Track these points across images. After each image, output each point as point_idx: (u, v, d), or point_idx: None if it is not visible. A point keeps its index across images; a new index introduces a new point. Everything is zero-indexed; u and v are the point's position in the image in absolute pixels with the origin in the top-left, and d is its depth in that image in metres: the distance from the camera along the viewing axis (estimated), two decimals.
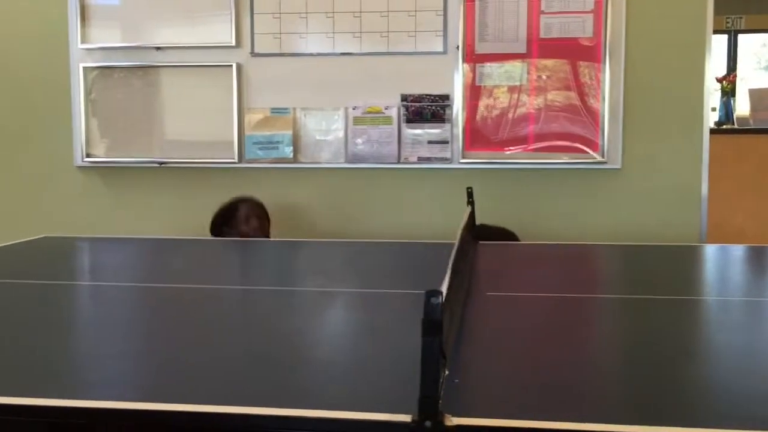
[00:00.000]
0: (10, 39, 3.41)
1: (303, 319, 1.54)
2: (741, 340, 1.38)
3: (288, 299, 1.74)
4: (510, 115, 3.16)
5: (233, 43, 3.26)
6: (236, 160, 3.28)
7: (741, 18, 6.41)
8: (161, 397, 1.05)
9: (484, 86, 3.17)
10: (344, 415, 0.94)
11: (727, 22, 6.38)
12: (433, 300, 0.85)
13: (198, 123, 3.33)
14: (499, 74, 3.16)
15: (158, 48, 3.31)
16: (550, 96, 3.13)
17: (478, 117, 3.18)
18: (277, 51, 3.26)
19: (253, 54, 3.27)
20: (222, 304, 1.69)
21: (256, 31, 3.26)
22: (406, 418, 0.92)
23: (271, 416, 0.95)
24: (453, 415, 0.94)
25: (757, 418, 0.97)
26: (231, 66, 3.27)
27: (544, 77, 3.12)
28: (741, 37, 8.44)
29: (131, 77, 3.34)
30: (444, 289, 1.08)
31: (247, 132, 3.28)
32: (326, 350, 1.30)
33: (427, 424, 0.85)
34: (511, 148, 3.16)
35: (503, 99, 3.16)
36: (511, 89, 3.15)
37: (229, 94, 3.27)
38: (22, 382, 1.13)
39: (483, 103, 3.17)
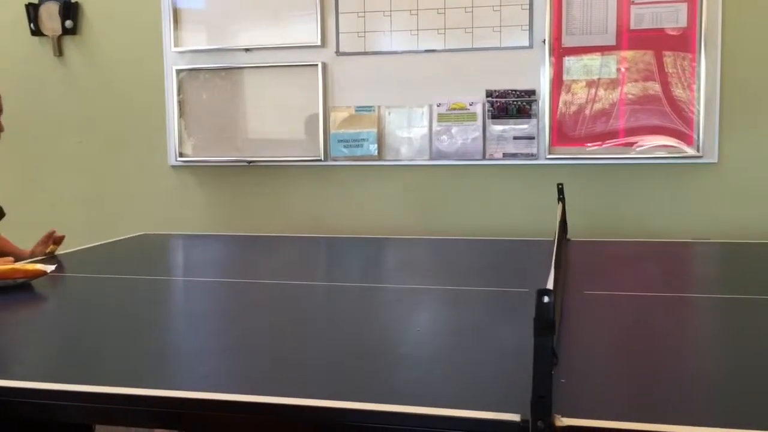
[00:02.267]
0: (108, 44, 3.56)
1: (400, 317, 1.55)
2: None
3: (381, 296, 1.75)
4: (598, 110, 3.08)
5: (318, 43, 3.30)
6: (322, 158, 3.32)
7: None
8: (268, 390, 1.07)
9: (572, 80, 3.10)
10: (452, 412, 0.95)
11: None
12: (545, 298, 0.84)
13: (283, 122, 3.40)
14: (586, 68, 3.09)
15: (247, 49, 3.39)
16: (640, 89, 3.03)
17: (564, 112, 3.12)
18: (361, 50, 3.28)
19: (338, 53, 3.30)
20: (316, 301, 1.72)
21: (341, 30, 3.30)
22: (515, 417, 0.92)
23: (377, 412, 0.96)
24: (562, 416, 0.93)
25: None
26: (317, 65, 3.31)
27: (634, 69, 3.03)
28: None
29: (215, 78, 3.43)
30: (550, 287, 1.06)
31: (332, 130, 3.32)
32: (426, 348, 1.31)
33: (540, 424, 0.84)
34: (599, 143, 3.09)
35: (591, 93, 3.09)
36: (599, 83, 3.08)
37: (315, 93, 3.32)
38: (126, 373, 1.18)
39: (570, 97, 3.11)
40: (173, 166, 3.51)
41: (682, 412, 0.99)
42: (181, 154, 3.49)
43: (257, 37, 3.39)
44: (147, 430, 1.70)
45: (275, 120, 3.40)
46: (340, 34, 3.30)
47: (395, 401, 1.01)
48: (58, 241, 2.40)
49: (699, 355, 1.28)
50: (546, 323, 0.85)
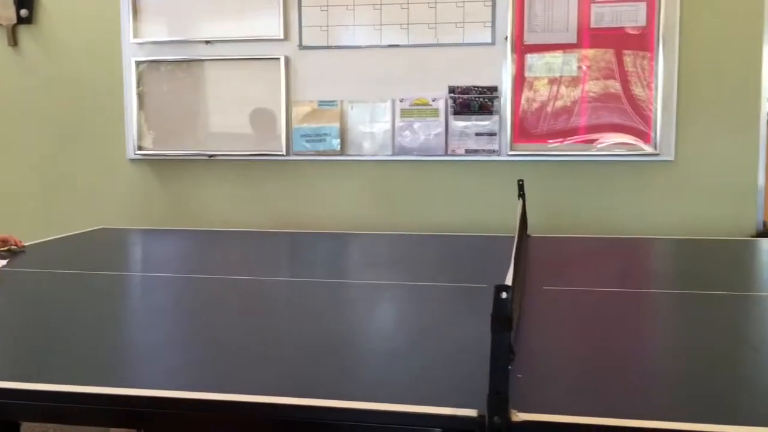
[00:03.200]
0: (65, 34, 3.48)
1: (361, 312, 1.55)
2: None
3: (343, 292, 1.75)
4: (559, 107, 3.12)
5: (281, 36, 3.27)
6: (284, 153, 3.30)
7: None
8: (229, 387, 1.06)
9: (533, 77, 3.13)
10: (409, 408, 0.95)
11: None
12: (503, 294, 0.85)
13: (245, 116, 3.36)
14: (548, 65, 3.12)
15: (207, 42, 3.35)
16: (600, 87, 3.07)
17: (526, 109, 3.14)
18: (324, 44, 3.26)
19: (301, 47, 3.28)
20: (277, 296, 1.71)
21: (304, 23, 3.27)
22: (471, 412, 0.92)
23: (334, 408, 0.96)
24: (518, 411, 0.94)
25: None
26: (279, 59, 3.28)
27: (595, 68, 3.07)
28: None
29: (177, 70, 3.38)
30: (508, 283, 1.07)
31: (295, 124, 3.30)
32: (386, 344, 1.31)
33: (496, 419, 0.84)
34: (559, 140, 3.12)
35: (552, 90, 3.12)
36: (561, 80, 3.11)
37: (277, 86, 3.30)
38: (80, 371, 1.15)
39: (531, 94, 3.14)
40: (132, 160, 3.45)
41: (638, 407, 1.00)
42: (140, 148, 3.43)
43: (219, 29, 3.34)
44: (103, 430, 1.67)
45: (237, 114, 3.37)
46: (303, 28, 3.28)
47: (355, 398, 1.01)
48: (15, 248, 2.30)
49: (655, 349, 1.31)
50: (503, 319, 0.85)
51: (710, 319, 1.49)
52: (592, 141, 3.10)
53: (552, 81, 3.12)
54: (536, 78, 3.13)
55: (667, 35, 2.98)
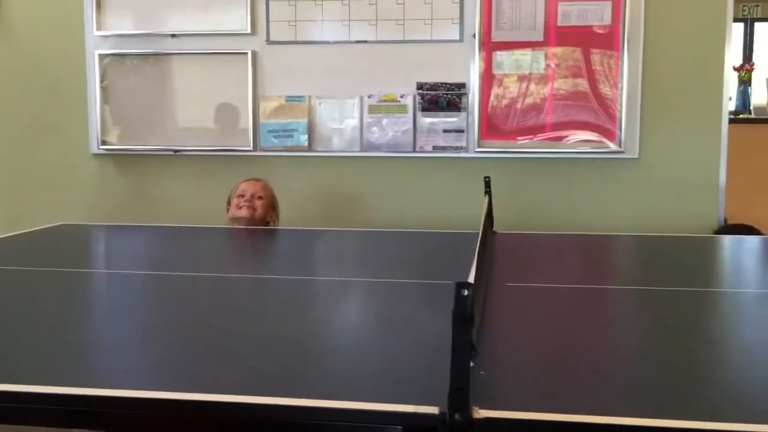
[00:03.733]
0: (27, 26, 3.41)
1: (324, 309, 1.54)
2: (758, 334, 1.37)
3: (307, 288, 1.74)
4: (526, 104, 3.14)
5: (248, 31, 3.25)
6: (251, 148, 3.28)
7: (757, 6, 6.33)
8: (183, 386, 1.05)
9: (501, 75, 3.14)
10: (370, 406, 0.94)
11: (744, 10, 6.30)
12: (464, 292, 0.85)
13: (212, 111, 3.33)
14: (515, 62, 3.13)
15: (173, 35, 3.30)
16: (567, 84, 3.10)
17: (494, 106, 3.16)
18: (292, 39, 3.24)
19: (269, 41, 3.26)
20: (240, 293, 1.69)
21: (271, 18, 3.25)
22: (433, 410, 0.92)
23: (294, 407, 0.95)
24: (480, 408, 0.94)
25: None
26: (246, 53, 3.26)
27: (561, 66, 3.10)
28: (757, 25, 8.34)
29: (144, 64, 3.33)
30: (470, 280, 1.07)
31: (262, 120, 3.27)
32: (348, 341, 1.30)
33: (457, 417, 0.84)
34: (527, 137, 3.14)
35: (520, 87, 3.14)
36: (528, 78, 3.13)
37: (244, 81, 3.27)
38: (40, 370, 1.13)
39: (499, 91, 3.15)
40: (95, 155, 3.40)
41: (600, 402, 1.01)
42: (104, 142, 3.38)
43: (186, 22, 3.30)
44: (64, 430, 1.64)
45: (204, 109, 3.33)
46: (270, 23, 3.25)
47: (315, 396, 1.00)
48: None
49: (617, 346, 1.32)
50: (464, 316, 0.85)
51: (672, 314, 1.51)
52: (559, 138, 3.13)
53: (520, 78, 3.14)
54: (504, 75, 3.14)
55: (631, 35, 3.02)
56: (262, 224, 2.88)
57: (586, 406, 1.00)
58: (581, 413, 0.97)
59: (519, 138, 3.14)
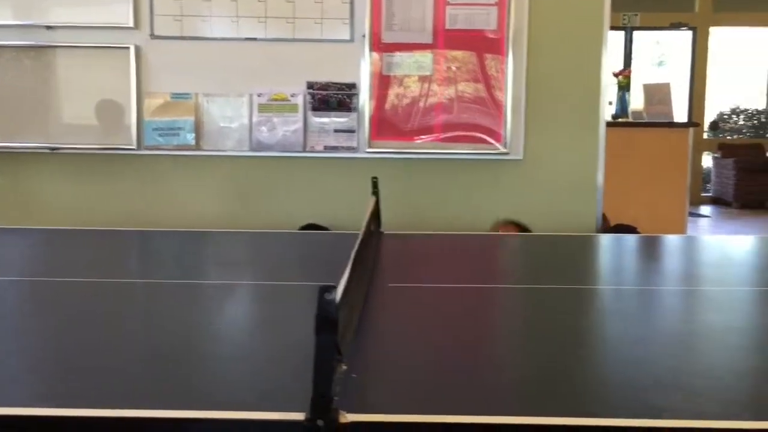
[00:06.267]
0: None
1: (200, 314, 1.49)
2: (632, 329, 1.43)
3: (188, 293, 1.68)
4: (417, 106, 3.17)
5: (131, 25, 3.12)
6: (135, 147, 3.15)
7: (636, 15, 6.69)
8: (54, 401, 0.99)
9: (391, 76, 3.16)
10: (232, 415, 0.91)
11: (624, 19, 6.64)
12: (327, 296, 0.84)
13: (93, 107, 3.18)
14: (405, 64, 3.16)
15: (49, 27, 3.13)
16: (456, 87, 3.16)
17: (385, 106, 3.18)
18: (178, 34, 3.14)
19: (153, 36, 3.14)
20: (121, 299, 1.62)
21: (155, 12, 3.13)
22: (299, 416, 0.90)
23: (151, 419, 0.91)
24: (348, 412, 0.93)
25: (648, 406, 1.00)
26: (129, 48, 3.13)
27: (451, 68, 3.15)
28: (636, 33, 8.82)
29: (23, 57, 3.15)
30: (342, 283, 1.06)
31: (147, 117, 3.15)
32: (222, 347, 1.27)
33: (320, 423, 0.83)
34: (417, 138, 3.18)
35: (410, 89, 3.17)
36: (418, 79, 3.16)
37: (127, 77, 3.14)
38: None
39: (390, 92, 3.17)
40: None
41: (477, 403, 1.02)
42: None
43: (66, 14, 3.14)
44: None
45: (85, 105, 3.18)
46: (155, 17, 3.14)
47: (181, 406, 0.96)
48: None
49: (497, 345, 1.35)
50: (327, 320, 0.84)
51: (551, 312, 1.55)
52: (448, 140, 3.18)
53: (410, 80, 3.17)
54: (395, 76, 3.16)
55: (516, 40, 3.11)
56: None
57: (459, 407, 1.00)
58: (453, 414, 0.98)
59: (409, 139, 3.17)
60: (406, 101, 3.17)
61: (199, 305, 1.57)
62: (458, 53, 3.14)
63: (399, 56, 3.15)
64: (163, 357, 1.19)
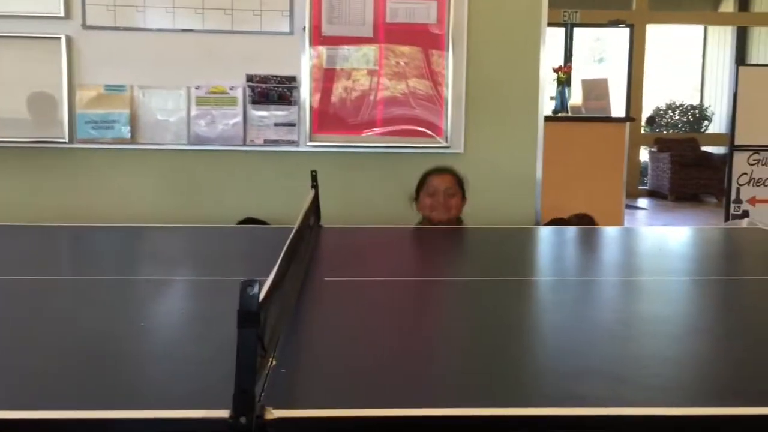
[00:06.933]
0: None
1: (131, 311, 1.45)
2: (564, 319, 1.45)
3: (119, 290, 1.63)
4: (359, 99, 3.16)
5: (62, 14, 3.02)
6: (67, 140, 3.05)
7: (576, 12, 6.81)
8: None
9: (332, 69, 3.14)
10: (157, 414, 0.89)
11: (564, 16, 6.75)
12: (249, 290, 0.82)
13: (24, 99, 3.07)
14: (346, 57, 3.14)
15: None
16: (398, 81, 3.15)
17: (326, 100, 3.15)
18: (111, 24, 3.05)
19: (85, 26, 3.04)
20: (45, 298, 1.56)
21: (87, 1, 3.03)
22: (224, 413, 0.89)
23: (72, 420, 0.88)
24: (275, 408, 0.92)
25: (570, 395, 1.01)
26: (60, 38, 3.03)
27: (392, 62, 3.14)
28: (577, 30, 8.98)
29: None
30: (271, 277, 1.05)
31: (79, 110, 3.06)
32: (151, 345, 1.24)
33: (242, 420, 0.81)
34: (359, 132, 3.16)
35: (352, 82, 3.15)
36: (360, 73, 3.15)
37: (59, 68, 3.04)
38: None
39: (331, 85, 3.15)
40: None
41: (408, 396, 1.02)
42: None
43: None
44: None
45: (15, 97, 3.06)
46: (86, 6, 3.04)
47: (103, 407, 0.93)
48: None
49: (430, 337, 1.34)
50: (249, 315, 0.82)
51: (488, 303, 1.56)
52: (390, 133, 3.18)
53: (351, 73, 3.15)
54: (336, 70, 3.14)
55: (456, 34, 3.12)
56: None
57: (389, 400, 1.00)
58: (382, 407, 0.97)
59: (351, 133, 3.16)
60: (347, 95, 3.15)
61: (131, 302, 1.53)
62: (399, 47, 3.14)
63: (339, 49, 3.13)
64: (87, 356, 1.16)
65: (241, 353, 0.82)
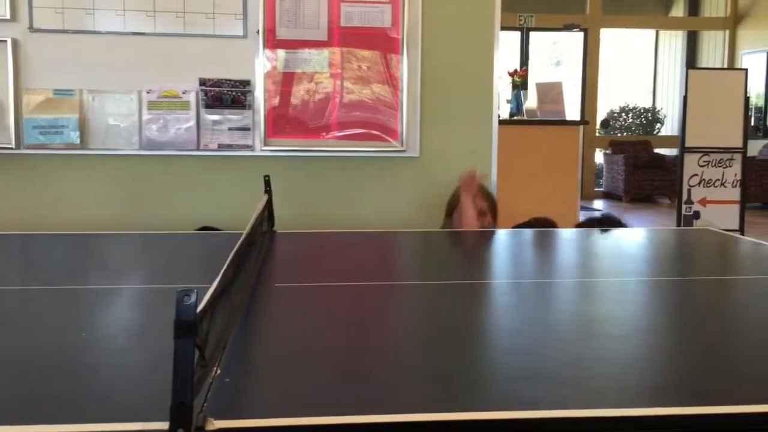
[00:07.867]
0: None
1: (77, 322, 1.42)
2: (514, 322, 1.46)
3: (66, 299, 1.59)
4: (314, 103, 3.14)
5: (7, 16, 2.94)
6: (14, 146, 2.98)
7: (532, 16, 6.90)
8: None
9: (287, 73, 3.12)
10: (92, 427, 0.87)
11: (520, 20, 6.83)
12: (186, 300, 0.80)
13: None
14: (301, 61, 3.13)
15: None
16: (353, 85, 3.15)
17: (281, 104, 3.13)
18: (59, 27, 2.99)
19: (32, 29, 2.97)
20: None
21: (34, 4, 2.96)
22: (163, 426, 0.87)
23: None
24: (218, 418, 0.90)
25: (513, 398, 1.02)
26: (6, 41, 2.95)
27: (346, 66, 3.14)
28: (534, 34, 9.10)
29: None
30: (214, 285, 1.03)
31: (26, 115, 2.98)
32: (96, 356, 1.20)
33: None
34: (315, 135, 3.15)
35: (306, 86, 3.14)
36: (314, 77, 3.13)
37: (4, 72, 2.96)
38: None
39: (286, 89, 3.13)
40: None
41: (355, 403, 1.01)
42: None
43: None
44: None
45: None
46: (33, 8, 2.97)
47: (45, 420, 0.91)
48: None
49: (379, 343, 1.34)
50: (186, 325, 0.81)
51: (442, 308, 1.56)
52: (345, 137, 3.17)
53: (305, 77, 3.13)
54: (289, 73, 3.12)
55: (410, 38, 3.13)
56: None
57: (336, 408, 0.99)
58: (327, 415, 0.96)
59: (306, 137, 3.14)
60: (302, 99, 3.14)
61: (74, 312, 1.50)
62: (353, 50, 3.13)
63: (294, 53, 3.12)
64: (23, 368, 1.12)
65: (177, 364, 0.80)
